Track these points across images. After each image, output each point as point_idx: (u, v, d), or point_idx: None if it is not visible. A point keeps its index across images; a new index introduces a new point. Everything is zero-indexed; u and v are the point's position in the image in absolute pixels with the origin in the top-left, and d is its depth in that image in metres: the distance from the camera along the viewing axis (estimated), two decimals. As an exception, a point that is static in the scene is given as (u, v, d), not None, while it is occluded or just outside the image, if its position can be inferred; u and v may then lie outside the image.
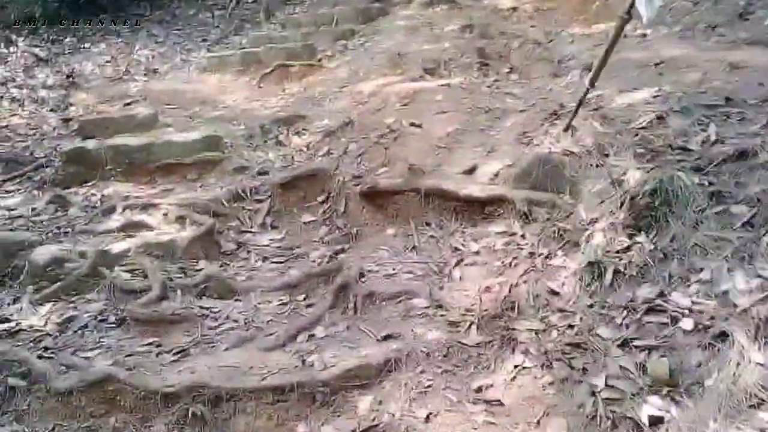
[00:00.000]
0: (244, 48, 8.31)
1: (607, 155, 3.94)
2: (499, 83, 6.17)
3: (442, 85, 5.96)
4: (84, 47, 7.99)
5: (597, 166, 3.91)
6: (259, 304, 3.61)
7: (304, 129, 5.76)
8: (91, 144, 5.15)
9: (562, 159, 4.04)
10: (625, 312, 3.05)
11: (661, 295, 3.03)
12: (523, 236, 3.80)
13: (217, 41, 8.53)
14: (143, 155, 5.10)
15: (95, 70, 7.37)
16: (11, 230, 4.25)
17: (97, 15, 8.70)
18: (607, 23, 7.94)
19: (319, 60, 7.72)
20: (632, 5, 3.41)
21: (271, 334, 3.29)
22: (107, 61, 7.57)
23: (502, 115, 5.12)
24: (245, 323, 3.44)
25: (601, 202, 3.68)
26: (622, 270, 3.23)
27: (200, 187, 4.97)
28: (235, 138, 5.65)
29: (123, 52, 7.89)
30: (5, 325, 3.50)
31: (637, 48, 6.20)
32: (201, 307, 3.56)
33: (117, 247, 3.98)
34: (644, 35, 6.52)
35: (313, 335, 3.27)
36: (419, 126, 4.91)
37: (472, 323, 3.19)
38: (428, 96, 5.66)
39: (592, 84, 4.01)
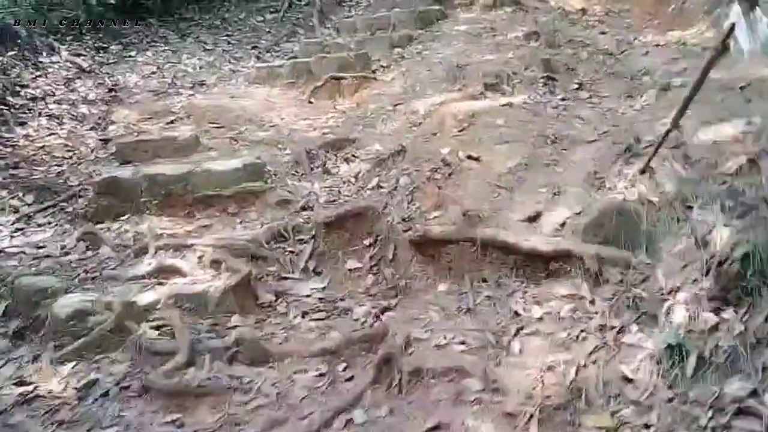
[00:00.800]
0: (295, 57, 8.06)
1: (690, 207, 3.52)
2: (566, 103, 5.75)
3: (503, 105, 5.58)
4: (130, 56, 7.85)
5: (678, 220, 3.49)
6: (294, 373, 3.33)
7: (353, 155, 5.46)
8: (126, 173, 4.96)
9: (637, 209, 3.64)
10: (710, 412, 2.65)
11: (754, 394, 2.62)
12: (592, 302, 3.41)
13: (268, 48, 8.29)
14: (181, 186, 4.88)
15: (139, 82, 7.21)
16: (37, 273, 4.07)
17: (144, 19, 8.55)
18: (683, 30, 7.42)
19: (373, 71, 7.40)
20: (729, 35, 2.96)
21: (304, 417, 3.00)
22: (152, 72, 7.41)
23: (570, 146, 4.72)
24: (278, 398, 3.15)
25: (684, 266, 3.28)
26: (708, 356, 2.83)
27: (240, 223, 4.72)
28: (280, 165, 5.39)
29: (170, 62, 7.72)
30: (22, 389, 3.30)
31: (719, 65, 5.69)
32: (231, 376, 3.29)
33: (145, 298, 3.75)
34: (726, 48, 5.98)
35: (351, 420, 2.96)
36: (477, 159, 4.55)
37: (532, 416, 2.83)
38: (488, 119, 5.28)
39: (675, 124, 3.59)
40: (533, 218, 3.87)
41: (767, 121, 4.04)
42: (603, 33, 7.80)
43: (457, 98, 6.01)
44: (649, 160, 3.81)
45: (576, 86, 6.25)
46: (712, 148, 3.88)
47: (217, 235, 4.44)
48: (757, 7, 2.72)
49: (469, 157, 4.58)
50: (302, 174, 5.32)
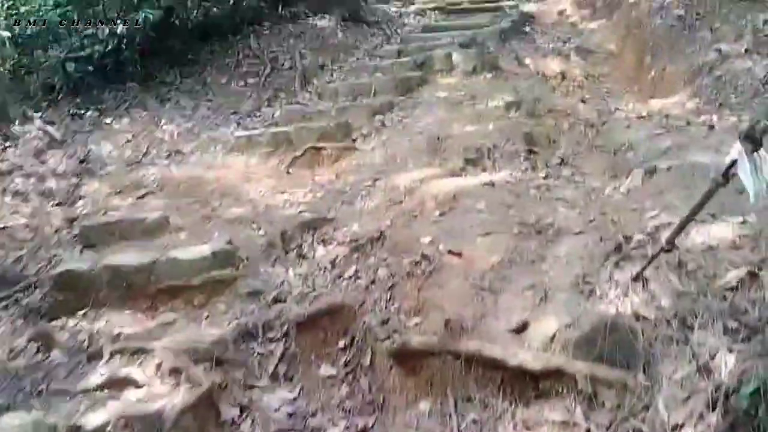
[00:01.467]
0: (276, 123, 7.67)
1: (689, 327, 3.11)
2: (549, 182, 5.38)
3: (485, 184, 5.21)
4: (105, 123, 7.42)
5: (677, 342, 3.08)
6: None
7: (330, 238, 5.03)
8: (84, 265, 4.50)
9: (632, 325, 3.22)
10: None
11: None
12: (588, 431, 2.97)
13: (249, 113, 7.91)
14: (144, 276, 4.43)
15: (113, 152, 6.78)
16: (-21, 385, 3.59)
17: (124, 83, 8.14)
18: (664, 99, 7.10)
19: (354, 140, 7.02)
20: (730, 169, 2.58)
21: None
22: (128, 141, 6.99)
23: (555, 237, 4.31)
24: None
25: (687, 397, 2.86)
26: None
27: (207, 317, 4.27)
28: (253, 249, 4.96)
29: (146, 129, 7.30)
30: None
31: (704, 144, 5.35)
32: None
33: (93, 419, 3.29)
34: (712, 127, 5.64)
35: None
36: (459, 255, 4.13)
37: None
38: (469, 202, 4.91)
39: (670, 244, 3.20)
40: (521, 329, 3.43)
41: (764, 217, 3.67)
42: (583, 101, 7.48)
43: (438, 174, 5.64)
44: (643, 270, 3.40)
45: (558, 161, 5.89)
46: (708, 254, 3.50)
47: (180, 336, 3.97)
48: (761, 149, 2.33)
49: (451, 252, 4.16)
50: (276, 258, 4.88)
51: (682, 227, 3.10)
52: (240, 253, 4.89)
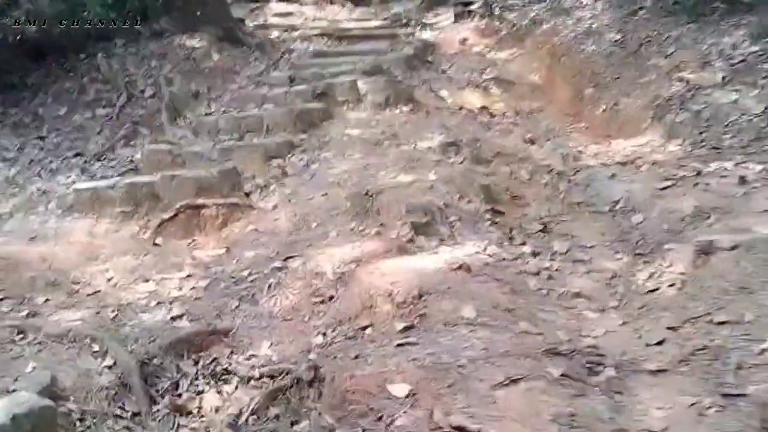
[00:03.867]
0: (135, 169, 5.43)
1: None
2: (544, 263, 3.56)
3: (456, 268, 3.30)
4: None
5: None
6: None
7: (225, 371, 2.92)
8: None
9: None
10: None
11: None
12: None
13: (98, 156, 5.62)
14: None
15: None
16: None
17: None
18: (631, 138, 5.54)
19: (247, 194, 4.92)
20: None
21: None
22: None
23: (621, 381, 2.44)
24: None
25: None
26: None
27: None
28: (93, 395, 2.75)
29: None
30: None
31: (751, 207, 3.74)
32: None
33: None
34: (744, 179, 4.00)
35: None
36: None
37: None
38: (446, 303, 3.03)
39: None
40: None
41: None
42: (531, 142, 5.79)
43: (378, 250, 3.68)
44: None
45: (539, 227, 4.10)
46: None
47: None
48: None
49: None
50: (133, 415, 2.70)
51: None
52: (68, 406, 2.67)
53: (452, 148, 5.20)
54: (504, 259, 3.50)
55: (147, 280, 3.84)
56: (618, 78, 6.10)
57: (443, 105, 6.87)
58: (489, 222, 4.08)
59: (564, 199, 4.43)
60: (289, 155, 5.60)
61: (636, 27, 6.44)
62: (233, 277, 3.77)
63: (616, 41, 6.48)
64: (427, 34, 10.43)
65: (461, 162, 4.97)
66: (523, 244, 3.75)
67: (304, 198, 4.72)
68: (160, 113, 6.44)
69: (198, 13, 7.75)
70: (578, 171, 4.80)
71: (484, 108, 7.06)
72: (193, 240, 4.43)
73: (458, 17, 10.56)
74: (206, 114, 6.62)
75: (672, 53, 5.78)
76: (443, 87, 7.53)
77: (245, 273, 3.78)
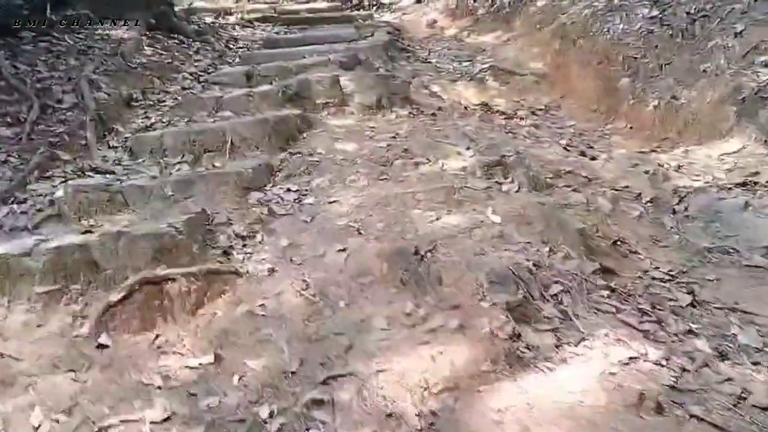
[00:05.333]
0: (57, 215, 3.78)
1: None
2: (742, 370, 2.24)
3: (632, 404, 2.01)
4: None
5: None
6: None
7: None
8: None
9: None
10: None
11: None
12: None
13: (4, 197, 3.94)
14: None
15: None
16: None
17: None
18: (714, 144, 4.32)
19: (226, 252, 3.38)
20: None
21: None
22: None
23: None
24: None
25: None
26: None
27: None
28: None
29: None
30: None
31: None
32: None
33: None
34: None
35: None
36: None
37: None
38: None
39: None
40: None
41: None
42: (584, 155, 4.48)
43: (475, 361, 2.31)
44: None
45: (688, 298, 2.79)
46: None
47: None
48: None
49: None
50: None
51: None
52: None
53: (497, 168, 3.83)
54: (684, 369, 2.17)
55: (86, 421, 2.30)
56: (668, 64, 4.85)
57: (444, 104, 5.49)
58: (605, 290, 2.76)
59: (685, 243, 3.14)
60: (269, 184, 4.10)
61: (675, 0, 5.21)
62: (241, 419, 2.29)
63: (652, 18, 5.23)
64: (387, 16, 9.01)
65: (517, 190, 3.62)
66: (689, 332, 2.44)
67: (311, 254, 3.27)
68: (84, 129, 4.76)
69: (122, -5, 6.02)
70: (682, 197, 3.51)
71: (483, 105, 5.76)
72: (157, 336, 2.89)
73: (421, -4, 9.16)
74: (146, 128, 4.97)
75: (742, 31, 4.56)
76: (433, 80, 6.14)
77: (260, 410, 2.31)
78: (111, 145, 4.80)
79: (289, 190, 4.03)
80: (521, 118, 5.35)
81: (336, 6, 9.76)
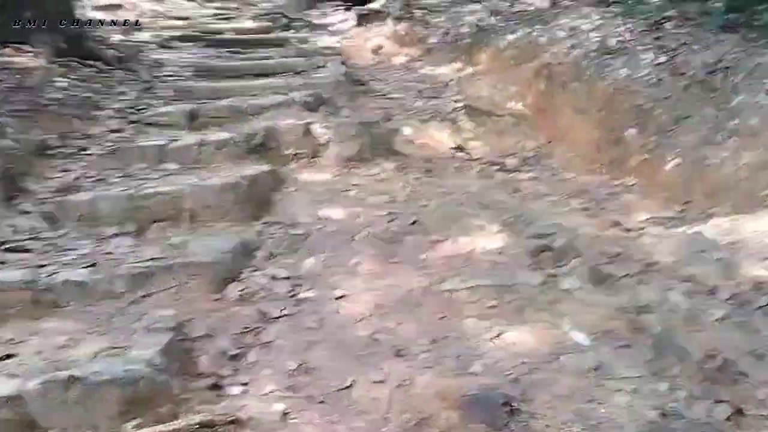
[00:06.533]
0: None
1: None
2: None
3: None
4: None
5: None
6: None
7: None
8: None
9: None
10: None
11: None
12: None
13: None
14: None
15: None
16: None
17: None
18: (737, 210, 3.81)
19: (216, 388, 2.43)
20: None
21: None
22: None
23: None
24: None
25: None
26: None
27: None
28: None
29: None
30: None
31: None
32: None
33: None
34: None
35: None
36: None
37: None
38: None
39: None
40: None
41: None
42: (589, 209, 3.85)
43: None
44: None
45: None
46: None
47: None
48: None
49: None
50: None
51: None
52: None
53: (546, 254, 3.09)
54: None
55: None
56: (686, 118, 4.30)
57: (429, 153, 4.74)
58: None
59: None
60: (249, 268, 3.18)
61: (686, 47, 4.70)
62: None
63: (659, 64, 4.69)
64: (327, 40, 8.16)
65: (579, 287, 2.88)
66: None
67: (335, 385, 2.40)
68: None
69: (27, 13, 4.85)
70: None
71: (458, 148, 5.07)
72: None
73: (362, 19, 8.38)
74: (70, 188, 3.86)
75: (772, 69, 4.09)
76: (402, 121, 5.36)
77: None
78: (22, 210, 3.66)
79: (275, 278, 3.13)
80: (517, 170, 4.67)
81: (265, 27, 8.81)
